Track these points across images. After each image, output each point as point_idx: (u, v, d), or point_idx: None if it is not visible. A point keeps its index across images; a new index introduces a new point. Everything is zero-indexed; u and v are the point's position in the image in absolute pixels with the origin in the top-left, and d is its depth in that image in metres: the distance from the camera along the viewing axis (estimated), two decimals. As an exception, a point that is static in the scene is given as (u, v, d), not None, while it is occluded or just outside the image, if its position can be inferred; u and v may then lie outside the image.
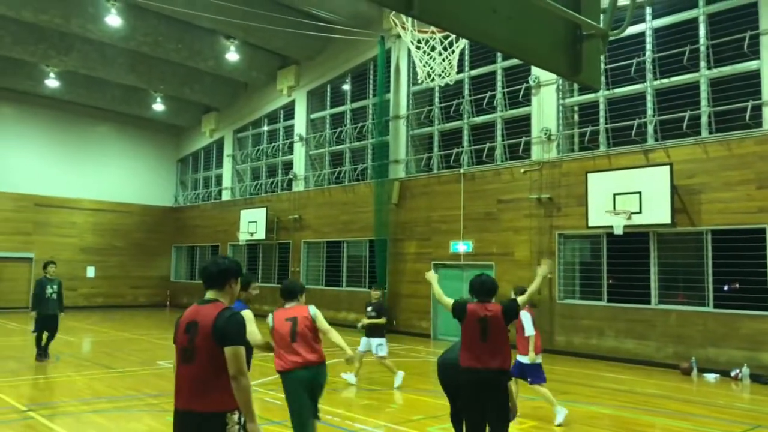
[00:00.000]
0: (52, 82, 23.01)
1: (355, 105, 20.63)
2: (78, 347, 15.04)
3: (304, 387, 5.38)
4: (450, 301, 5.53)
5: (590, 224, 13.39)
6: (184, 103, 26.11)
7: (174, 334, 3.58)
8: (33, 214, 24.81)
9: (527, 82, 15.37)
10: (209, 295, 3.59)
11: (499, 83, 16.27)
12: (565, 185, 14.33)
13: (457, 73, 12.65)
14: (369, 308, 10.40)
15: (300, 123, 22.31)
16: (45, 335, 12.03)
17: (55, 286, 12.00)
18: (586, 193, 13.44)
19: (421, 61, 8.37)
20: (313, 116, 22.07)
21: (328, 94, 21.64)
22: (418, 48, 8.29)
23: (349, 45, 19.67)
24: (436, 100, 17.77)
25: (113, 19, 18.37)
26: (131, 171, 27.27)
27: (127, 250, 26.84)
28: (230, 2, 17.47)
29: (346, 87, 21.15)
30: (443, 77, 8.30)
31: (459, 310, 5.33)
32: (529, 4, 3.19)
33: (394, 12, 7.84)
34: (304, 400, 5.39)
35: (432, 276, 5.96)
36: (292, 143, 22.62)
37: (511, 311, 5.37)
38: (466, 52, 16.64)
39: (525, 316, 7.87)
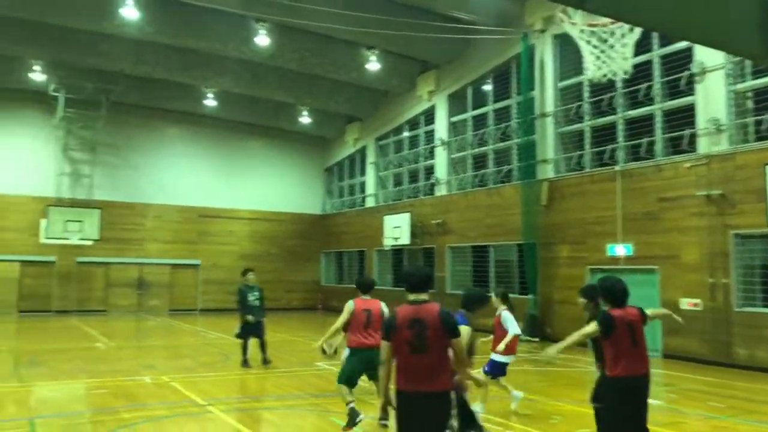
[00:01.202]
0: (210, 102, 24.87)
1: (498, 105, 20.17)
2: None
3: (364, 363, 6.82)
4: (592, 326, 5.15)
5: (773, 222, 11.95)
6: (328, 115, 27.10)
7: (388, 330, 4.26)
8: (197, 224, 26.96)
9: (689, 69, 14.09)
10: (417, 296, 4.32)
11: (656, 72, 15.08)
12: (739, 179, 12.92)
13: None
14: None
15: (441, 127, 22.24)
16: (252, 342, 11.82)
17: (256, 293, 11.80)
18: (767, 187, 12.02)
19: (591, 55, 7.88)
20: (453, 119, 21.91)
21: (469, 96, 21.36)
22: (588, 43, 7.80)
23: (489, 45, 19.28)
24: (586, 94, 16.86)
25: (262, 40, 19.40)
26: (282, 181, 28.86)
27: (281, 257, 28.36)
28: (370, 13, 17.80)
29: (488, 87, 20.75)
30: (615, 70, 7.74)
31: (608, 323, 5.02)
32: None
33: (561, 7, 7.48)
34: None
35: (552, 351, 5.28)
36: (433, 148, 22.61)
37: (645, 312, 5.27)
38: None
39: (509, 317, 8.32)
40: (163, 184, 26.36)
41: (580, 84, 16.96)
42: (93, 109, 24.43)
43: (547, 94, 17.85)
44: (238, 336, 11.99)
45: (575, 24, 7.95)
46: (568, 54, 17.00)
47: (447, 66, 21.83)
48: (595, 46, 7.77)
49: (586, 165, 16.70)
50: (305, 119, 26.61)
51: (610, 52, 7.76)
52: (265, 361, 11.89)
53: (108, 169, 25.61)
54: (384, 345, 4.27)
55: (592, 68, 8.11)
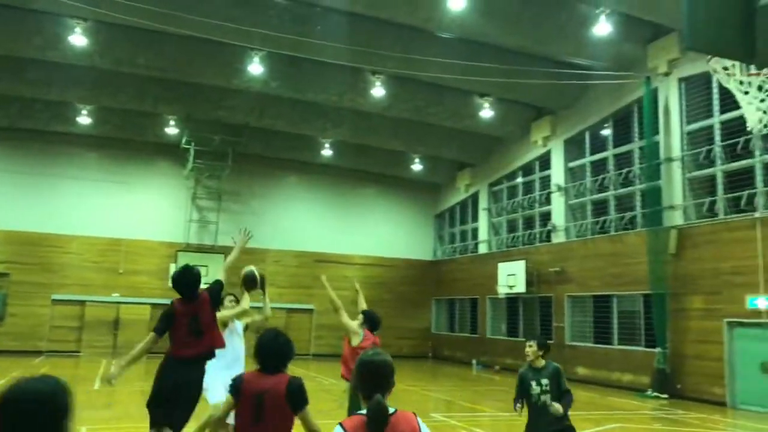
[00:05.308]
0: (326, 152, 25.82)
1: (618, 150, 19.53)
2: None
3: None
4: None
5: None
6: (440, 161, 27.33)
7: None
8: (313, 269, 27.58)
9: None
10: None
11: (799, 113, 14.05)
12: None
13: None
14: None
15: (557, 172, 21.79)
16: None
17: None
18: None
19: (750, 105, 7.48)
20: (571, 165, 21.41)
21: (587, 141, 20.85)
22: (746, 93, 7.43)
23: (608, 89, 18.81)
24: (717, 138, 15.98)
25: (378, 91, 20.02)
26: (394, 227, 29.13)
27: (392, 303, 28.14)
28: (483, 62, 17.91)
29: (607, 132, 20.18)
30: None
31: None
32: None
33: (713, 59, 7.19)
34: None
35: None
36: (549, 194, 22.14)
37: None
38: (754, 81, 14.75)
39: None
40: (282, 230, 27.37)
41: (710, 127, 16.16)
42: (220, 160, 25.95)
43: (674, 138, 17.09)
44: None
45: (731, 74, 7.57)
46: (696, 97, 16.46)
47: (563, 111, 21.49)
48: (755, 97, 7.34)
49: (720, 212, 15.69)
50: (417, 166, 26.98)
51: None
52: None
53: (232, 216, 27.00)
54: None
55: (753, 119, 7.64)
